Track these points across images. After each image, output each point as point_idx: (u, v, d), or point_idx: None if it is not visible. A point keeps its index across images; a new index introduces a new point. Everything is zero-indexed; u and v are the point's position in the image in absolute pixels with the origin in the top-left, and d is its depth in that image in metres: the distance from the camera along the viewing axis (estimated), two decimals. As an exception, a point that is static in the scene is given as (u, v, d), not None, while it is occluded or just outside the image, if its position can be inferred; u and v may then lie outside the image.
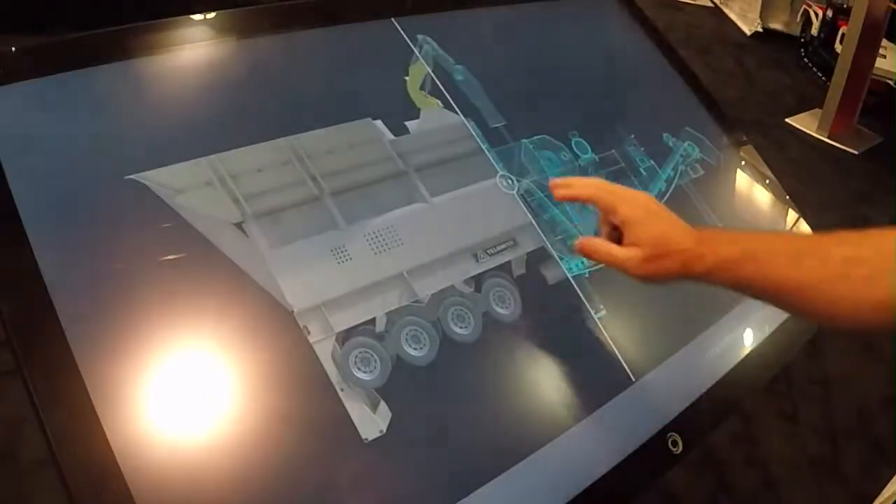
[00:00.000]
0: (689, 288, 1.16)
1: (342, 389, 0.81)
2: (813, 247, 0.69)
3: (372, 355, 0.84)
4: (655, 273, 0.75)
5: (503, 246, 1.01)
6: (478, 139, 1.10)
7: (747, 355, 1.14)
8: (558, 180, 0.82)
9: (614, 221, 0.78)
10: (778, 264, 0.69)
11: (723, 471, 1.78)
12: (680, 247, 0.74)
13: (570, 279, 1.03)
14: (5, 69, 0.83)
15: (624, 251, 0.77)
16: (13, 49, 0.85)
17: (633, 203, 0.78)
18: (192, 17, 0.99)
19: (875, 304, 0.62)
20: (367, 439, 0.80)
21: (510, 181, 1.04)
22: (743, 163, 1.37)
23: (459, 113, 1.10)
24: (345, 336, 0.84)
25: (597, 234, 0.83)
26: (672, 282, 0.76)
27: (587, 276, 1.05)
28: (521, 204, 1.07)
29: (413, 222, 0.97)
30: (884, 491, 1.57)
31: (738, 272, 0.70)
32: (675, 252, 0.74)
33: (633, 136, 1.26)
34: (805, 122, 3.38)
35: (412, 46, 1.13)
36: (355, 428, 0.80)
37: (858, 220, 2.71)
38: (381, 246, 0.93)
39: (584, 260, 1.05)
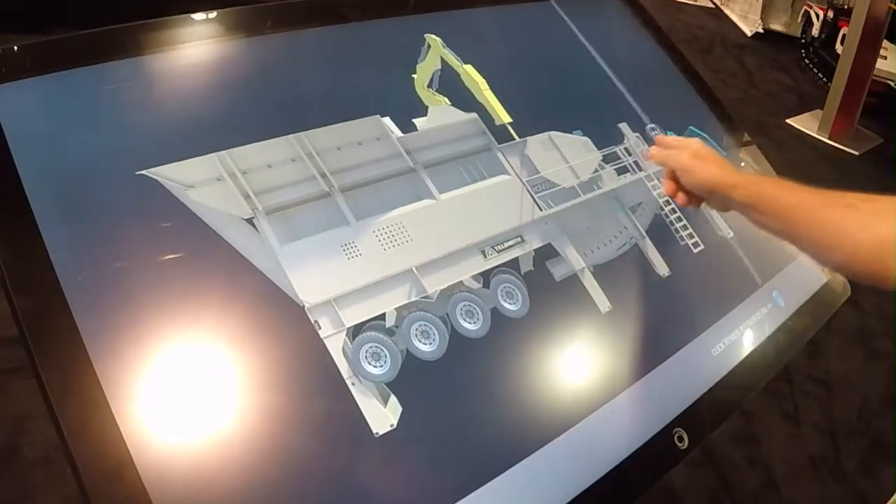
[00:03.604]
0: (693, 286, 1.17)
1: (353, 384, 0.81)
2: (827, 191, 0.79)
3: (382, 350, 0.85)
4: (696, 167, 0.91)
5: (511, 242, 1.01)
6: (486, 136, 1.10)
7: (749, 353, 1.15)
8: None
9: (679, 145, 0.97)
10: (796, 188, 0.81)
11: (724, 469, 1.78)
12: (723, 160, 0.93)
13: (578, 275, 1.04)
14: (16, 66, 0.84)
15: (680, 149, 0.95)
16: (24, 46, 0.86)
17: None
18: (202, 14, 0.99)
19: (877, 238, 0.69)
20: (377, 433, 0.80)
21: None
22: (744, 163, 1.38)
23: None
24: (355, 331, 0.85)
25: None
26: (707, 185, 0.89)
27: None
28: (529, 201, 1.07)
29: (421, 219, 0.97)
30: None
31: (763, 188, 0.85)
32: (718, 160, 0.92)
33: (636, 134, 1.27)
34: (806, 123, 3.39)
35: (420, 45, 1.14)
36: (366, 422, 0.80)
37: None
38: (391, 242, 0.93)
39: None
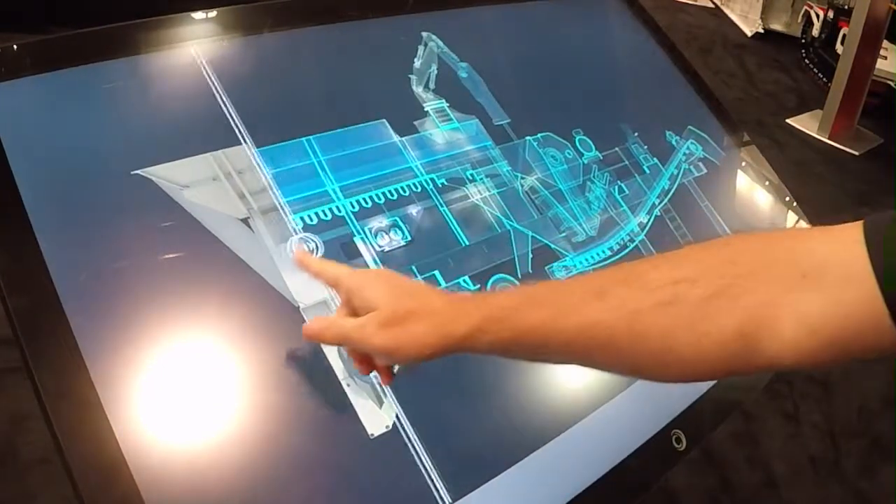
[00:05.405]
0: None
1: (348, 385, 0.81)
2: (624, 275, 0.53)
3: (378, 351, 0.84)
4: (401, 342, 0.56)
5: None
6: (485, 138, 1.10)
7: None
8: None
9: (346, 288, 0.63)
10: (578, 303, 0.52)
11: (724, 470, 1.78)
12: (431, 303, 0.57)
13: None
14: (10, 65, 0.84)
15: (354, 319, 0.59)
16: (22, 44, 0.86)
17: (368, 272, 0.67)
18: (197, 13, 0.99)
19: (732, 334, 0.47)
20: (372, 435, 0.80)
21: (313, 242, 0.87)
22: (744, 163, 1.38)
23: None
24: (351, 332, 0.84)
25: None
26: (427, 356, 0.56)
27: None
28: (526, 202, 1.07)
29: (419, 219, 0.97)
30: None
31: (520, 321, 0.53)
32: (428, 308, 0.56)
33: (636, 133, 1.27)
34: (806, 123, 3.38)
35: (417, 44, 1.13)
36: (361, 423, 0.80)
37: (859, 221, 2.71)
38: (388, 242, 0.93)
39: (589, 257, 1.06)
